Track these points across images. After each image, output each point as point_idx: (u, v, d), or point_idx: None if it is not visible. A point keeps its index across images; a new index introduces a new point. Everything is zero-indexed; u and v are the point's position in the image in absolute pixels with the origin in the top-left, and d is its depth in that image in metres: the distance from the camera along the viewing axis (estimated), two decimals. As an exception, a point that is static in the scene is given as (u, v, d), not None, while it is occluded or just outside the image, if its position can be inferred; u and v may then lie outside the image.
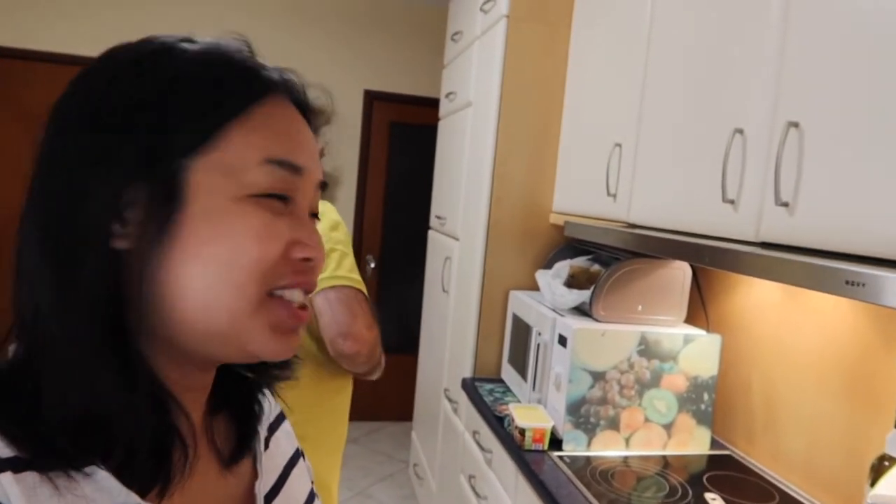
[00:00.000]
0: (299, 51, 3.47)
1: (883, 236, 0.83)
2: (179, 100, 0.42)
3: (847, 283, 0.72)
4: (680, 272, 1.64)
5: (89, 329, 0.40)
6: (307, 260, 0.45)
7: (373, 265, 3.74)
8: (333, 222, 1.23)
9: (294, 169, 0.45)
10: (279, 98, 0.47)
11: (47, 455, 0.39)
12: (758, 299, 1.56)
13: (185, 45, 0.45)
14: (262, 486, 0.52)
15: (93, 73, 0.44)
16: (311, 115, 0.51)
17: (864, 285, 0.71)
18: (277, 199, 0.44)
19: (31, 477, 0.38)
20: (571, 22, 1.99)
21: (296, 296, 0.45)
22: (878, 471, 0.97)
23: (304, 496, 0.58)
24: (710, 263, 1.06)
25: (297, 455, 0.60)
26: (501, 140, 2.01)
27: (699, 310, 1.71)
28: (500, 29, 1.99)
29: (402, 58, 3.59)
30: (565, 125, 2.01)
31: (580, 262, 1.82)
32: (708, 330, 1.62)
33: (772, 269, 0.89)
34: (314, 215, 0.49)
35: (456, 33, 2.62)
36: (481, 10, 2.20)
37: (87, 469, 0.39)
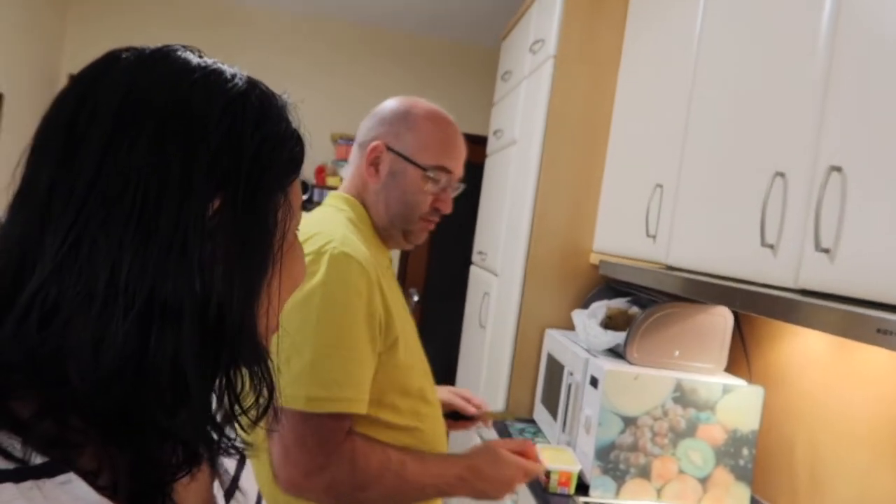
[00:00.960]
0: (349, 91, 3.58)
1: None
2: (282, 145, 0.49)
3: (879, 331, 0.68)
4: (721, 319, 1.58)
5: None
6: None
7: (416, 298, 3.75)
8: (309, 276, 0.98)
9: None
10: None
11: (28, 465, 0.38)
12: (804, 351, 1.49)
13: (273, 94, 0.51)
14: (220, 487, 0.55)
15: (198, 97, 0.45)
16: None
17: (895, 333, 0.67)
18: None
19: (9, 490, 0.37)
20: (619, 63, 1.99)
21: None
22: (924, 542, 0.90)
23: (255, 496, 0.60)
24: (742, 307, 1.02)
25: (244, 458, 0.62)
26: (543, 178, 2.01)
27: (741, 359, 1.64)
28: (548, 69, 2.01)
29: (453, 96, 3.67)
30: (608, 165, 2.00)
31: (618, 303, 1.78)
32: (750, 381, 1.55)
33: (804, 314, 0.86)
34: None
35: (506, 73, 2.67)
36: (530, 50, 2.23)
37: (61, 478, 0.39)
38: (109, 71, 0.45)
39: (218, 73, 0.47)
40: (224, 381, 0.46)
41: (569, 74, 1.99)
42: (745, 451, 1.48)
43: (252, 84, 0.49)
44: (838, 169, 0.97)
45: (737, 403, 1.47)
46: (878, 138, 0.90)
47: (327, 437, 0.93)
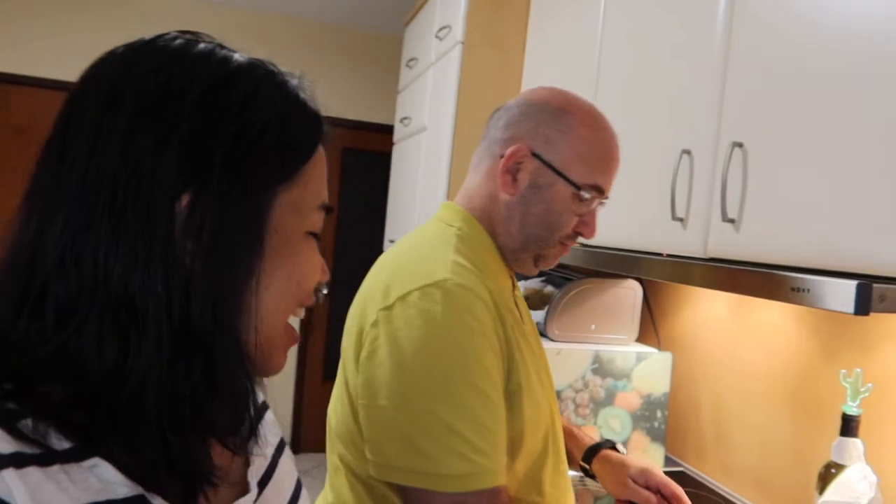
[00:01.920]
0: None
1: (821, 249, 0.87)
2: (272, 136, 0.45)
3: (793, 289, 0.75)
4: (631, 291, 1.67)
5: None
6: (322, 283, 0.53)
7: (325, 291, 3.68)
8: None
9: (330, 211, 0.52)
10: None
11: (52, 451, 0.39)
12: (705, 317, 1.61)
13: (275, 75, 0.48)
14: (255, 472, 0.54)
15: (177, 80, 0.43)
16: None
17: (808, 291, 0.74)
18: (315, 238, 0.51)
19: (35, 473, 0.37)
20: (524, 47, 2.04)
21: (299, 313, 0.52)
22: (825, 478, 1.00)
23: (292, 484, 0.60)
24: (661, 276, 1.09)
25: (283, 444, 0.63)
26: (456, 163, 2.03)
27: (650, 328, 1.74)
28: (455, 55, 2.03)
29: (356, 84, 3.61)
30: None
31: (533, 283, 1.83)
32: (659, 348, 1.66)
33: (723, 279, 0.92)
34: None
35: (411, 59, 2.66)
36: (436, 36, 2.24)
37: (89, 462, 0.40)
38: (101, 67, 0.45)
39: (205, 59, 0.45)
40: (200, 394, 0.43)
41: (477, 60, 2.02)
42: (659, 414, 1.58)
43: (251, 66, 0.47)
44: (740, 145, 1.05)
45: (649, 370, 1.57)
46: (775, 115, 0.99)
47: None
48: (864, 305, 0.69)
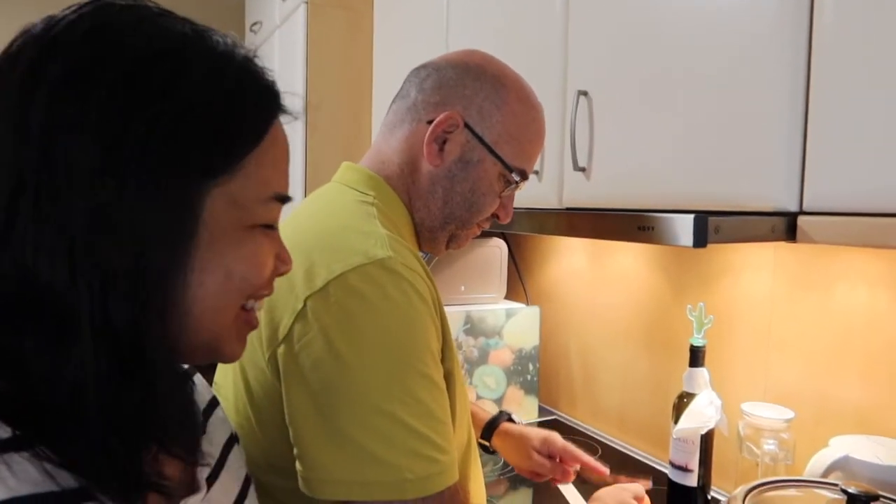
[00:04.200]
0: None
1: (663, 191, 0.91)
2: (200, 122, 0.41)
3: (640, 228, 0.77)
4: (497, 250, 1.68)
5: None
6: (282, 274, 0.50)
7: None
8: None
9: (286, 201, 0.48)
10: (278, 117, 0.47)
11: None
12: (568, 268, 1.66)
13: (215, 50, 0.43)
14: (203, 470, 0.53)
15: (90, 53, 0.39)
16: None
17: (653, 228, 0.76)
18: (271, 228, 0.48)
19: None
20: (373, 5, 1.97)
21: (258, 304, 0.50)
22: (678, 408, 1.06)
23: (240, 481, 0.58)
24: (520, 229, 1.09)
25: (233, 440, 0.60)
26: (311, 130, 1.93)
27: (517, 284, 1.77)
28: (301, 16, 1.91)
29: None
30: (375, 109, 1.99)
31: (402, 249, 1.80)
32: (527, 303, 1.69)
33: (578, 225, 0.94)
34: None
35: (255, 23, 2.49)
36: (279, -3, 2.10)
37: (29, 452, 0.38)
38: (18, 46, 0.41)
39: (132, 31, 0.40)
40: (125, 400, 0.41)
41: (324, 20, 1.92)
42: (531, 367, 1.62)
43: (187, 40, 0.41)
44: (585, 93, 1.06)
45: (519, 325, 1.60)
46: (616, 64, 1.00)
47: None
48: (701, 237, 0.72)
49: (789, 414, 1.03)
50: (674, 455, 1.07)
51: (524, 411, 1.61)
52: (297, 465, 0.62)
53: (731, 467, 1.11)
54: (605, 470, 1.00)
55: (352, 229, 0.69)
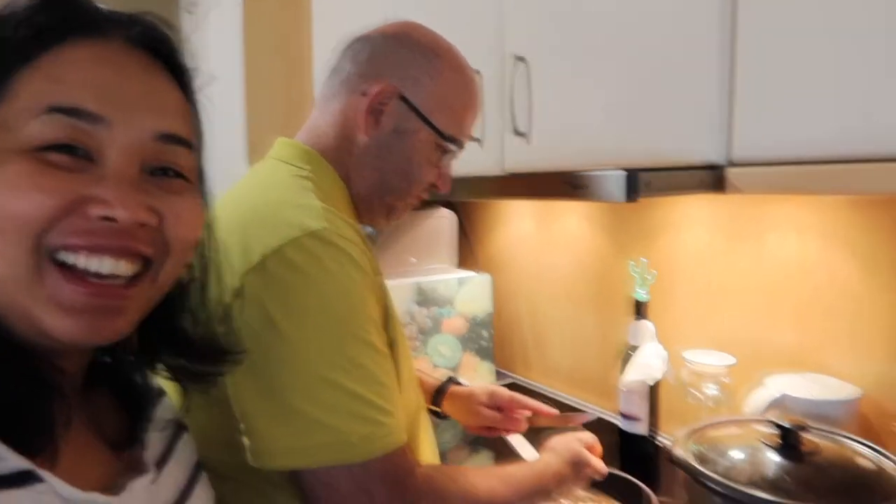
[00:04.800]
0: None
1: (597, 151, 0.93)
2: None
3: (576, 187, 0.79)
4: (446, 220, 1.70)
5: None
6: (108, 219, 0.41)
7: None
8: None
9: (89, 117, 0.40)
10: (99, 41, 0.43)
11: None
12: (516, 234, 1.69)
13: None
14: (151, 455, 0.53)
15: None
16: (178, 70, 0.49)
17: (587, 187, 0.78)
18: (65, 153, 0.40)
19: None
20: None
21: (92, 263, 0.41)
22: (625, 360, 1.10)
23: (190, 466, 0.57)
24: (462, 196, 1.10)
25: (181, 428, 0.59)
26: (250, 110, 1.89)
27: (468, 253, 1.80)
28: (234, -8, 1.86)
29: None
30: (316, 86, 1.95)
31: (352, 226, 1.80)
32: (479, 271, 1.71)
33: (519, 188, 0.96)
34: (163, 171, 0.46)
35: (190, 3, 2.40)
36: (210, -28, 2.03)
37: None
38: None
39: None
40: None
41: (258, -4, 1.87)
42: (485, 333, 1.64)
43: None
44: (522, 59, 1.07)
45: (471, 293, 1.62)
46: (551, 29, 1.02)
47: (399, 478, 0.66)
48: (633, 192, 0.75)
49: (730, 360, 1.08)
50: (623, 406, 1.12)
51: (480, 376, 1.64)
52: (244, 440, 0.63)
53: (677, 414, 1.16)
54: (554, 411, 1.04)
55: (286, 203, 0.69)
